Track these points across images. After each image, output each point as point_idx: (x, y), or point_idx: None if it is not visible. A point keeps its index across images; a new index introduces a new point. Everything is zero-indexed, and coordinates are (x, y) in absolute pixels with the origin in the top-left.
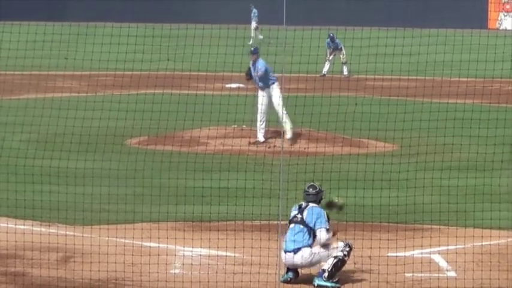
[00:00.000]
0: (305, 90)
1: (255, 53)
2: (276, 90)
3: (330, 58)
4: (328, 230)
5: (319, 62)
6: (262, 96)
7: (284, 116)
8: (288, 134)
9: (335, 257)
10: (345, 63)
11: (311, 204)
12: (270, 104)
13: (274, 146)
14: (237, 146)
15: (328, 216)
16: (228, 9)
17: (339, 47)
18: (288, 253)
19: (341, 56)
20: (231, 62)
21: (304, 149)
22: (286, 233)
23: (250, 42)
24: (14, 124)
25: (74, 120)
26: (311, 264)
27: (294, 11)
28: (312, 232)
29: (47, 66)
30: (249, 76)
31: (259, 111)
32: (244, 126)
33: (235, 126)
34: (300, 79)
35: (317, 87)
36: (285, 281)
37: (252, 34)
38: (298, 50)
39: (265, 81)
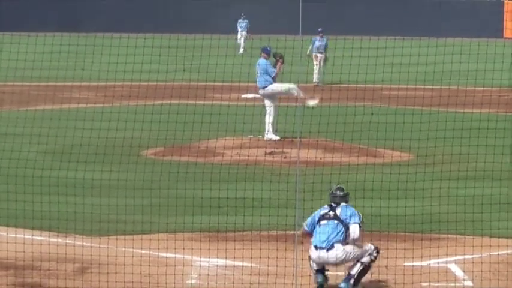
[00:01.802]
0: (321, 100)
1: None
2: None
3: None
4: (360, 227)
5: (335, 72)
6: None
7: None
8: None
9: (362, 263)
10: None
11: (343, 204)
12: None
13: (290, 157)
14: (253, 156)
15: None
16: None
17: (324, 47)
18: (320, 249)
19: (321, 57)
20: (247, 72)
21: (320, 159)
22: (315, 229)
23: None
24: (31, 135)
25: (90, 131)
26: (342, 262)
27: (310, 21)
28: (346, 229)
29: (63, 77)
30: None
31: (273, 110)
32: (260, 136)
33: (251, 136)
34: (315, 89)
35: (333, 97)
36: (318, 283)
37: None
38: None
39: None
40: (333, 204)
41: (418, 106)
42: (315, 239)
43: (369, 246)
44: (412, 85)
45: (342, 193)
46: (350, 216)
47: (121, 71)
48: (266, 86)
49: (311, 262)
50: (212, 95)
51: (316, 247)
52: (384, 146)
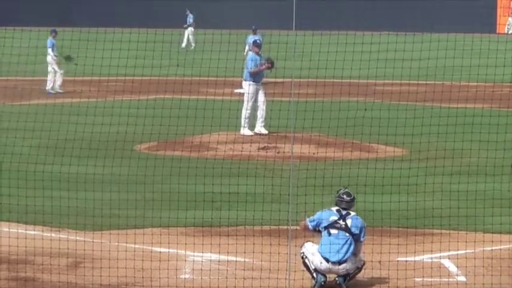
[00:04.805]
0: (314, 95)
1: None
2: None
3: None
4: None
5: (329, 67)
6: (257, 91)
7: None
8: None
9: (357, 268)
10: None
11: (352, 213)
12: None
13: (284, 152)
14: (247, 151)
15: None
16: (235, 15)
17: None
18: (332, 263)
19: None
20: (240, 67)
21: (314, 154)
22: (323, 236)
23: (185, 45)
24: (24, 130)
25: (83, 125)
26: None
27: (303, 16)
28: (355, 242)
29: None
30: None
31: (250, 105)
32: (253, 132)
33: None
34: (309, 84)
35: (326, 93)
36: (321, 285)
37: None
38: (307, 55)
39: (261, 77)
40: (342, 212)
41: (412, 101)
42: (325, 251)
43: (362, 255)
44: (405, 80)
45: (349, 198)
46: (361, 231)
47: (114, 66)
48: (246, 80)
49: (309, 262)
50: (205, 89)
51: (327, 260)
52: (377, 141)
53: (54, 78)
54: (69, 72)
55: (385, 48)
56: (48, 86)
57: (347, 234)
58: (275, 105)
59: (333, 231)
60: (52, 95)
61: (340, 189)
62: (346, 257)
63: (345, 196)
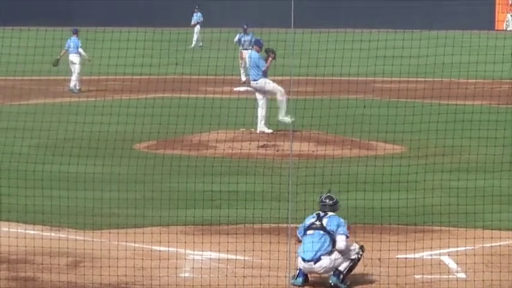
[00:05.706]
0: (313, 93)
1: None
2: None
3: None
4: (347, 238)
5: (328, 65)
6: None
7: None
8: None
9: (351, 260)
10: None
11: (330, 213)
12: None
13: (283, 150)
14: (246, 149)
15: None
16: (234, 13)
17: (249, 43)
18: (307, 262)
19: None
20: (239, 66)
21: (313, 152)
22: (302, 239)
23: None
24: (24, 129)
25: (82, 125)
26: (330, 270)
27: (302, 14)
28: (332, 239)
29: (56, 71)
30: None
31: (266, 104)
32: (252, 129)
33: (244, 129)
34: (308, 82)
35: (325, 90)
36: (296, 285)
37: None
38: (306, 53)
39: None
40: (321, 213)
41: (411, 99)
42: (302, 251)
43: (355, 246)
44: (404, 78)
45: (331, 201)
46: (338, 227)
47: (113, 65)
48: (257, 79)
49: (297, 261)
50: (204, 88)
51: (303, 259)
52: (377, 139)
53: (78, 77)
54: (68, 72)
55: (384, 45)
56: (77, 85)
57: (322, 232)
58: (274, 103)
59: (309, 231)
60: (78, 93)
61: (322, 195)
62: (319, 254)
63: (327, 200)
